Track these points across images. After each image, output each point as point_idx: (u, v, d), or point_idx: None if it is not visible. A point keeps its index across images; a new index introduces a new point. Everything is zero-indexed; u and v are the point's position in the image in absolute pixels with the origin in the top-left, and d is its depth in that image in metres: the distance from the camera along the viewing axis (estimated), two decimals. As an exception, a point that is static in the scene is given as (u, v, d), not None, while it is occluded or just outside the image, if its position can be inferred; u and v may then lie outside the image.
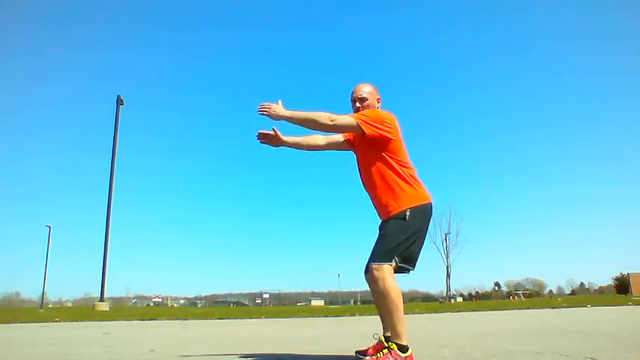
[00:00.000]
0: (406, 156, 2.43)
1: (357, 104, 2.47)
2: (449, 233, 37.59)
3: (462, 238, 38.31)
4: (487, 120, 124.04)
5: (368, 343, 3.50)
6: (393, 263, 2.25)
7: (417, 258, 2.39)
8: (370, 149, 2.40)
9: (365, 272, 2.31)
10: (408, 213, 2.30)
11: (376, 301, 2.25)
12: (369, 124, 2.31)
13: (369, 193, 2.50)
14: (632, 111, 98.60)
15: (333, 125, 2.29)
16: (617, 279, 37.66)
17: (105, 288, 19.43)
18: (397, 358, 2.11)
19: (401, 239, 2.27)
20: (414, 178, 2.42)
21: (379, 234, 2.40)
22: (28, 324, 8.36)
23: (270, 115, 2.36)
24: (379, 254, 2.28)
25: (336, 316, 10.00)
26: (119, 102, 21.41)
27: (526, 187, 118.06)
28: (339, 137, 2.63)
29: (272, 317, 9.91)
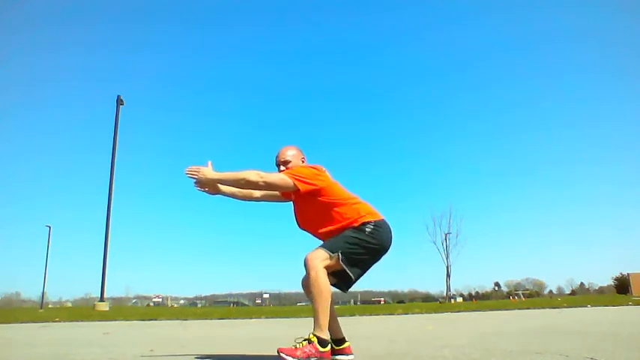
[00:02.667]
0: (342, 193, 2.54)
1: (282, 167, 2.59)
2: (449, 233, 37.57)
3: (462, 238, 38.17)
4: (487, 120, 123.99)
5: (368, 343, 3.50)
6: (335, 256, 2.28)
7: (361, 271, 2.43)
8: (308, 199, 2.48)
9: (306, 256, 2.33)
10: (366, 228, 2.41)
11: (306, 289, 2.33)
12: (302, 181, 2.41)
13: (313, 234, 2.60)
14: (632, 111, 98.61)
15: (265, 182, 2.37)
16: (617, 279, 37.68)
17: (105, 288, 19.44)
18: (315, 350, 2.14)
19: (351, 242, 2.34)
20: (357, 207, 2.49)
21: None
22: (28, 324, 8.36)
23: (199, 180, 2.44)
24: (323, 246, 2.36)
25: (336, 316, 9.98)
26: (119, 102, 21.41)
27: (526, 187, 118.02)
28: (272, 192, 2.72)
29: (272, 317, 9.92)
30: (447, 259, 37.25)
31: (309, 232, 2.61)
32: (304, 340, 2.17)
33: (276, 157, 2.64)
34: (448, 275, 37.33)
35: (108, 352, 3.22)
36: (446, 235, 37.58)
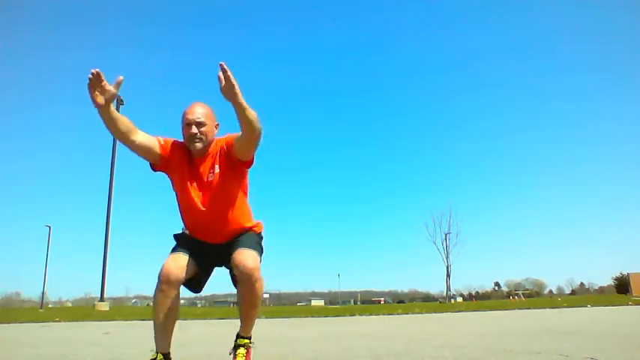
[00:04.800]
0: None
1: (194, 129, 2.01)
2: (449, 233, 37.54)
3: (462, 238, 38.20)
4: (487, 120, 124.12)
5: (368, 343, 3.51)
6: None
7: None
8: (233, 179, 2.10)
9: (244, 262, 1.94)
10: (262, 237, 2.26)
11: (252, 296, 2.00)
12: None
13: (210, 226, 2.11)
14: (633, 111, 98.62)
15: (260, 133, 1.95)
16: (617, 279, 37.64)
17: (105, 288, 19.46)
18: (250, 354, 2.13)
19: (260, 250, 2.16)
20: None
21: (237, 242, 2.11)
22: (28, 324, 8.36)
23: (228, 82, 1.79)
24: (252, 248, 2.04)
25: (336, 316, 10.00)
26: (119, 102, 21.41)
27: (526, 188, 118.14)
28: (151, 143, 2.05)
29: (272, 317, 9.91)
30: (447, 259, 37.26)
31: (206, 221, 2.09)
32: (244, 348, 2.09)
33: (186, 115, 2.05)
34: (448, 275, 37.34)
35: (108, 352, 3.23)
36: (446, 235, 37.59)
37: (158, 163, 2.08)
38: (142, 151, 2.03)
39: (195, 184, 2.08)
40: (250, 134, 1.94)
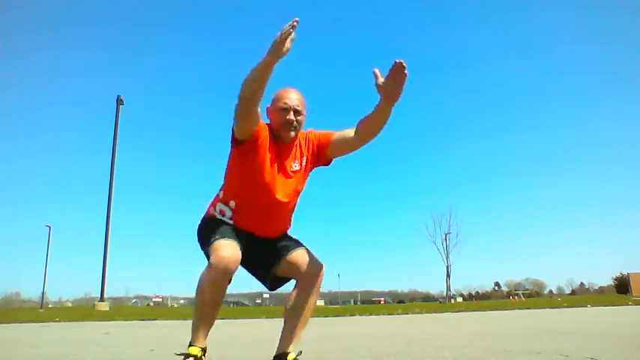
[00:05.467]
0: None
1: (291, 116, 1.89)
2: (449, 233, 37.55)
3: (462, 238, 38.19)
4: (487, 120, 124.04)
5: (368, 343, 3.50)
6: None
7: None
8: (309, 170, 2.07)
9: (318, 264, 1.97)
10: None
11: (315, 301, 1.98)
12: None
13: (267, 221, 1.98)
14: (632, 111, 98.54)
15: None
16: (617, 279, 37.62)
17: (105, 288, 19.48)
18: None
19: None
20: None
21: (289, 239, 2.07)
22: (28, 324, 8.36)
23: (401, 85, 1.76)
24: (305, 248, 2.04)
25: (336, 316, 10.00)
26: (119, 102, 21.42)
27: (526, 188, 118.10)
28: (260, 114, 1.89)
29: (272, 317, 9.91)
30: (447, 259, 37.26)
31: (275, 210, 1.95)
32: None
33: (287, 100, 1.90)
34: (448, 275, 37.33)
35: (108, 352, 3.22)
36: (446, 235, 37.59)
37: (249, 138, 1.85)
38: (255, 120, 1.83)
39: (277, 169, 1.93)
40: (370, 139, 1.94)
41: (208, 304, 1.74)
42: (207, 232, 1.89)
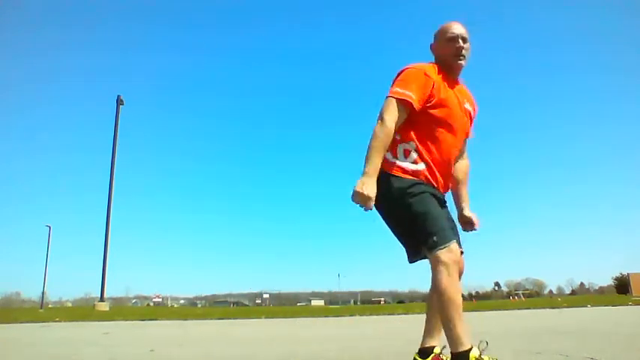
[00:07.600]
0: None
1: (461, 43, 1.83)
2: (449, 233, 37.48)
3: (462, 238, 38.17)
4: (487, 120, 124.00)
5: (368, 344, 3.50)
6: None
7: None
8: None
9: (462, 265, 1.91)
10: None
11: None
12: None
13: (455, 152, 1.88)
14: (633, 111, 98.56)
15: None
16: (617, 279, 37.67)
17: (105, 288, 19.48)
18: None
19: None
20: None
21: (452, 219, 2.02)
22: (28, 324, 8.36)
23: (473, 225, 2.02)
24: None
25: (336, 317, 10.00)
26: (119, 102, 21.43)
27: (526, 188, 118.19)
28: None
29: (272, 317, 9.91)
30: (447, 259, 37.16)
31: (453, 155, 1.86)
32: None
33: (454, 29, 1.84)
34: (448, 275, 37.26)
35: (108, 352, 3.22)
36: (446, 235, 37.47)
37: (426, 99, 1.75)
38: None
39: (457, 107, 1.82)
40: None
41: (460, 305, 1.74)
42: (419, 206, 1.70)
